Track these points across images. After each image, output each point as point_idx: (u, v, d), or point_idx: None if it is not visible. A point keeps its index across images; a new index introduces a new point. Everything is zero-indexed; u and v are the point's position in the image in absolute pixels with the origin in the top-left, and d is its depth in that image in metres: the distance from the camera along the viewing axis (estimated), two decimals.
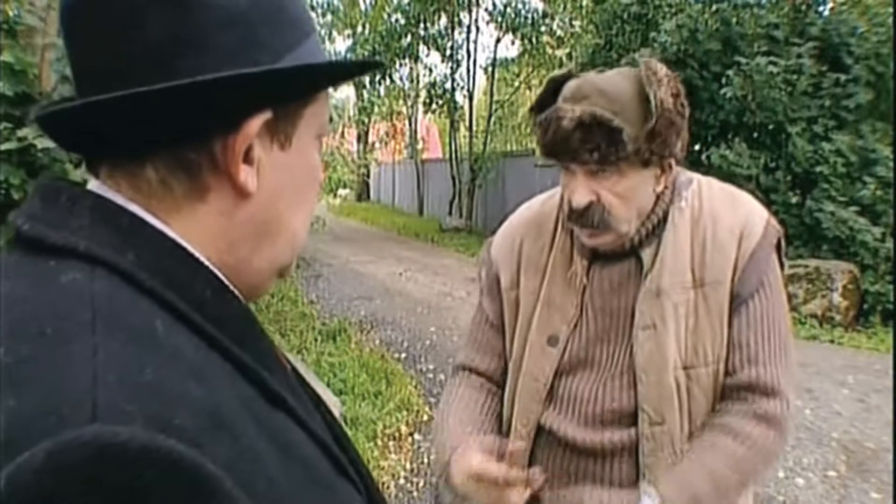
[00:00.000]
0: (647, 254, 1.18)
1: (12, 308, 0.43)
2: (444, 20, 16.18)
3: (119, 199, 0.50)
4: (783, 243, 1.22)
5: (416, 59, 17.05)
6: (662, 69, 1.11)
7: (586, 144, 1.07)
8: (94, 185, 0.52)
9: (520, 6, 15.64)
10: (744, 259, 1.15)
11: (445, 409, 1.29)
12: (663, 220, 1.19)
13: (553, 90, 1.15)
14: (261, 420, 0.46)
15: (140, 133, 0.50)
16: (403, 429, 4.42)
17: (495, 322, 1.34)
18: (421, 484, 3.82)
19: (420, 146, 20.89)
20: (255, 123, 0.50)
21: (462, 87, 16.80)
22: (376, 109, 18.71)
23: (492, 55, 17.06)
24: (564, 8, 15.02)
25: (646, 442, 1.14)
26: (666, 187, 1.19)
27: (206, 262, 0.52)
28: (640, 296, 1.17)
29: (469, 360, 1.34)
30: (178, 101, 0.48)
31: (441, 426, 1.26)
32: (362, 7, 18.58)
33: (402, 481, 3.83)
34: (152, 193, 0.50)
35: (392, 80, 17.70)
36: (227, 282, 0.53)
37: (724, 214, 1.18)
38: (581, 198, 1.12)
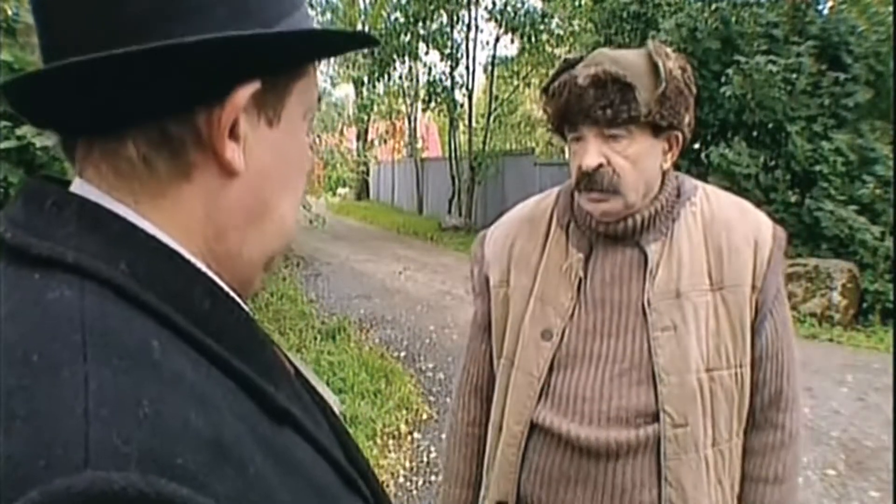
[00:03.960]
0: (653, 249, 1.18)
1: None
2: (443, 18, 16.17)
3: (105, 200, 0.47)
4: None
5: (416, 57, 17.04)
6: (670, 49, 1.17)
7: (600, 101, 1.10)
8: (77, 184, 0.49)
9: (519, 5, 15.63)
10: (762, 266, 1.17)
11: (448, 461, 1.42)
12: (668, 213, 1.19)
13: (564, 69, 1.18)
14: (267, 441, 0.44)
15: (117, 103, 0.45)
16: (403, 427, 4.42)
17: (483, 324, 1.34)
18: (420, 482, 3.82)
19: (419, 145, 20.87)
20: (243, 95, 0.47)
21: (461, 86, 16.78)
22: (375, 108, 18.69)
23: (491, 53, 17.07)
24: (564, 6, 15.01)
25: (668, 444, 1.13)
26: (671, 169, 1.20)
27: (202, 266, 0.49)
28: (654, 295, 1.16)
29: (469, 375, 1.38)
30: (158, 65, 0.44)
31: (446, 490, 1.41)
32: (361, 6, 18.56)
33: (401, 480, 3.83)
34: (135, 175, 0.47)
35: (391, 79, 17.69)
36: (225, 286, 0.50)
37: (735, 221, 1.20)
38: (591, 159, 1.13)
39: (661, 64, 1.11)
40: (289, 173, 0.54)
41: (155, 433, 0.36)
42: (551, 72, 1.21)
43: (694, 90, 1.17)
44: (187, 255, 0.48)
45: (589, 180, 1.14)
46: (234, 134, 0.48)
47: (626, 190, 1.14)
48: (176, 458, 0.35)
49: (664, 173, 1.20)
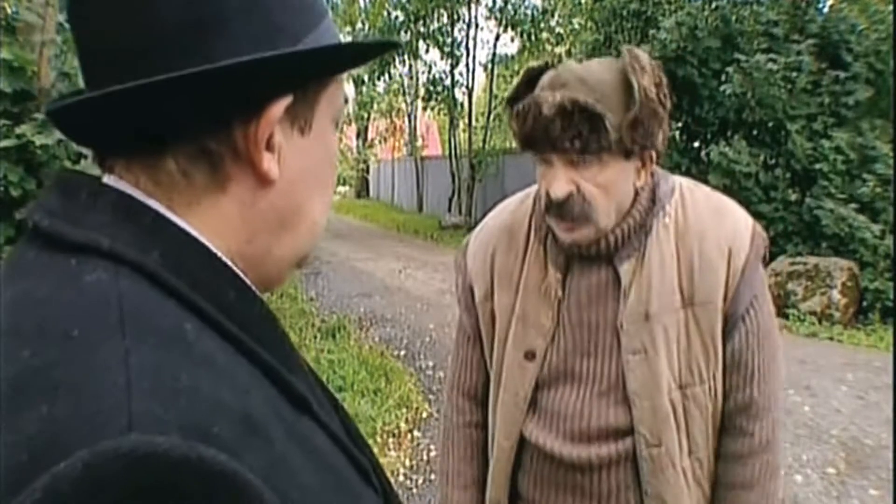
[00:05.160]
0: (625, 269, 1.14)
1: (35, 309, 0.41)
2: (443, 16, 16.17)
3: (139, 195, 0.48)
4: (767, 252, 1.20)
5: (416, 55, 17.04)
6: (646, 57, 1.07)
7: (567, 132, 1.02)
8: (111, 180, 0.50)
9: (519, 2, 15.64)
10: (735, 277, 1.12)
11: (446, 464, 1.35)
12: (642, 227, 1.14)
13: (528, 81, 1.10)
14: (289, 425, 0.45)
15: (160, 124, 0.48)
16: (403, 426, 4.42)
17: (472, 335, 1.31)
18: (420, 481, 3.82)
19: (419, 143, 20.88)
20: (277, 109, 0.49)
21: (461, 84, 16.80)
22: (375, 106, 18.70)
23: (491, 52, 17.10)
24: (564, 4, 15.02)
25: (645, 463, 1.13)
26: (645, 184, 1.14)
27: (228, 261, 0.50)
28: (625, 317, 1.13)
29: (460, 382, 1.34)
30: (200, 88, 0.46)
31: (446, 493, 1.34)
32: (361, 4, 18.56)
33: (401, 478, 3.84)
34: (174, 186, 0.49)
35: (391, 77, 17.69)
36: (248, 281, 0.52)
37: (710, 229, 1.14)
38: (560, 189, 1.07)
39: (635, 83, 1.02)
40: (320, 176, 0.56)
41: (192, 405, 0.38)
42: (521, 72, 1.14)
43: (669, 104, 1.09)
44: (214, 250, 0.50)
45: (559, 209, 1.09)
46: (269, 145, 0.50)
47: (597, 217, 1.09)
48: (213, 428, 0.37)
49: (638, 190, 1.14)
